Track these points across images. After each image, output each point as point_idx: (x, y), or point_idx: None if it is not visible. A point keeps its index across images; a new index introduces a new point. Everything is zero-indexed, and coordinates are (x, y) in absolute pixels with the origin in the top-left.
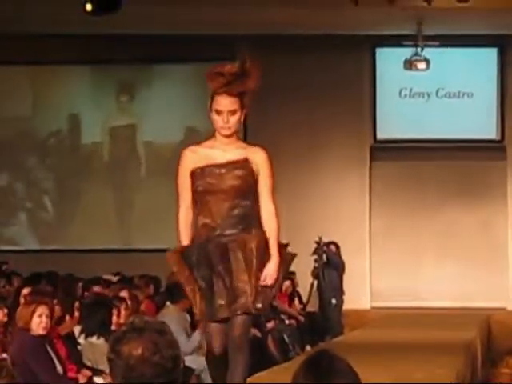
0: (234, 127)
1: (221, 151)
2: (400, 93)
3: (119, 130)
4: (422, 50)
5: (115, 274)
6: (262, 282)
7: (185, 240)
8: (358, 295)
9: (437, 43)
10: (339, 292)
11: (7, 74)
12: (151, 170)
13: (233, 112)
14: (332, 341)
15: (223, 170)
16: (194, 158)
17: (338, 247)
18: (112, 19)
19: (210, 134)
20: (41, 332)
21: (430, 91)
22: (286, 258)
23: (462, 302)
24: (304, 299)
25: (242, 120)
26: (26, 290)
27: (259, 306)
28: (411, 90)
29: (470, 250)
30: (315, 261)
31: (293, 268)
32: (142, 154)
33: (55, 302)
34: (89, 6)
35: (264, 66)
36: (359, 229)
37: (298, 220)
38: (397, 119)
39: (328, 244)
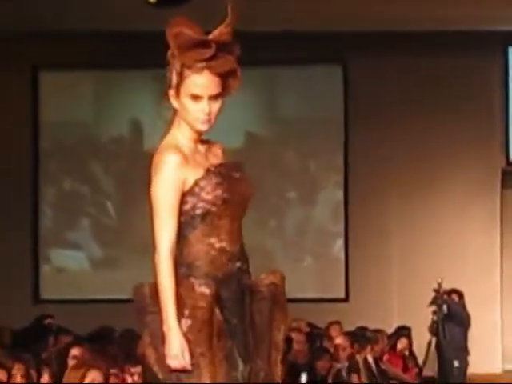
0: (214, 119)
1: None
2: None
3: None
4: None
5: None
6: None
7: (173, 286)
8: (486, 356)
9: None
10: (463, 352)
11: (69, 78)
12: None
13: (215, 97)
14: None
15: (238, 174)
16: (183, 163)
17: (461, 296)
18: (175, 14)
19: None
20: None
21: None
22: None
23: None
24: (420, 361)
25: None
26: (75, 351)
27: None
28: None
29: None
30: (434, 313)
31: (407, 322)
32: None
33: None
34: None
35: (372, 70)
36: (488, 273)
37: (412, 263)
38: None
39: (449, 292)
